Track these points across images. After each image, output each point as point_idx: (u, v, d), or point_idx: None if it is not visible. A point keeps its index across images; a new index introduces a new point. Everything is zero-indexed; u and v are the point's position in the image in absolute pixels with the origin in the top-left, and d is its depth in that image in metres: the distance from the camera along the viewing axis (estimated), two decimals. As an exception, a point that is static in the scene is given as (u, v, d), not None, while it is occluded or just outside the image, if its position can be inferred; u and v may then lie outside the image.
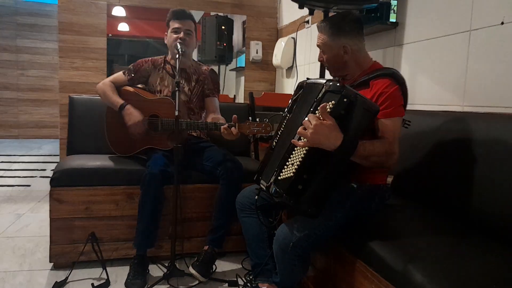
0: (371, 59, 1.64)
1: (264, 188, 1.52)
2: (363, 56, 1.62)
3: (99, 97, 2.23)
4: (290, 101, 1.64)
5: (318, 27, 1.65)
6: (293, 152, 1.39)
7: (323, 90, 1.38)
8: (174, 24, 2.16)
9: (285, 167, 1.40)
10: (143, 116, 2.09)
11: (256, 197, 1.63)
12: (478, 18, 1.66)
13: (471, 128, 1.51)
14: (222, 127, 1.93)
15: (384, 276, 1.21)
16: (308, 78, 1.58)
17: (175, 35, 2.15)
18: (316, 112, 1.33)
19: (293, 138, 1.39)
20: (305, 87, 1.55)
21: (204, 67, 2.37)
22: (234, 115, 1.92)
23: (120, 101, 2.13)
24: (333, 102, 1.32)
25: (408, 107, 1.99)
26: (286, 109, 1.64)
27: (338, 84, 1.34)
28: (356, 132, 1.32)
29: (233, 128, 1.90)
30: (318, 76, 2.11)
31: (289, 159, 1.40)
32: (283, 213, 1.76)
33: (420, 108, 1.97)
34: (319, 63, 1.97)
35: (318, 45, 1.65)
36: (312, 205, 1.38)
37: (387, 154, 1.39)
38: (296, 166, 1.36)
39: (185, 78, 2.27)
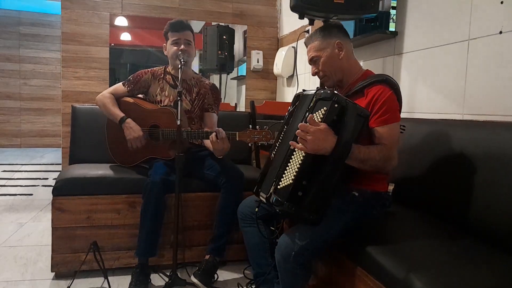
0: (361, 67, 1.67)
1: (264, 200, 1.53)
2: (354, 60, 1.66)
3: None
4: (287, 113, 1.65)
5: (306, 41, 1.69)
6: (290, 161, 1.41)
7: (314, 99, 1.42)
8: (173, 36, 2.18)
9: (284, 175, 1.41)
10: (143, 132, 2.09)
11: (257, 209, 1.63)
12: (476, 27, 1.68)
13: (470, 136, 1.52)
14: (211, 135, 1.92)
15: (385, 284, 1.21)
16: (304, 90, 1.60)
17: (175, 47, 2.17)
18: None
19: (290, 149, 1.41)
20: (300, 99, 1.58)
21: (206, 82, 2.37)
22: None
23: (120, 114, 2.13)
24: (325, 108, 1.37)
25: (408, 116, 2.02)
26: (283, 121, 1.65)
27: (328, 92, 1.39)
28: (349, 135, 1.36)
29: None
30: (318, 85, 2.12)
31: (287, 168, 1.41)
32: (284, 222, 1.76)
33: (420, 117, 1.98)
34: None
35: (310, 58, 1.67)
36: (313, 211, 1.39)
37: (385, 159, 1.41)
38: (294, 173, 1.37)
39: (186, 89, 2.28)
